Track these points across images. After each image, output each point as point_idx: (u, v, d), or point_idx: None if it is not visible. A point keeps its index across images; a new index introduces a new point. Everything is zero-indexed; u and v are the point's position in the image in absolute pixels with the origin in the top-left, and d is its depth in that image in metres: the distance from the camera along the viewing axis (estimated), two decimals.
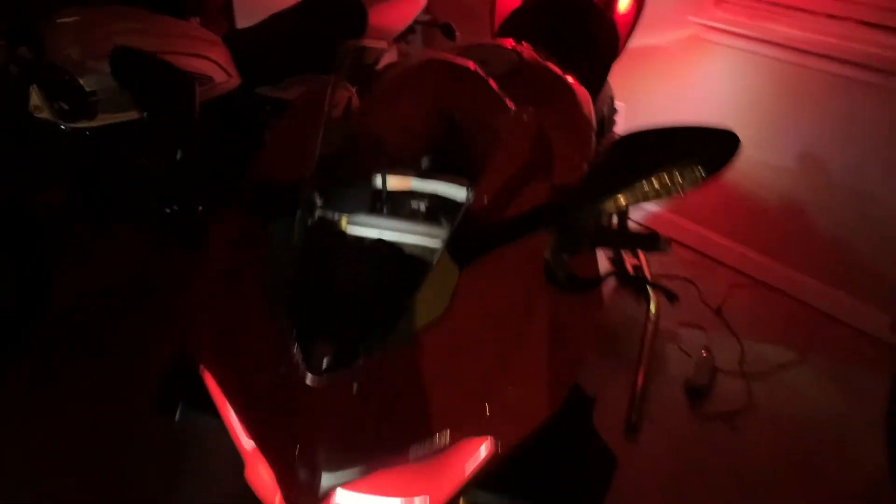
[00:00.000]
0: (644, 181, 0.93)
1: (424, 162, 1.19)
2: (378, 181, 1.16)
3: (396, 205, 1.15)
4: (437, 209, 1.13)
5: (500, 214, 1.01)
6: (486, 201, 1.02)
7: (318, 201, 1.09)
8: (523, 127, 1.10)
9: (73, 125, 2.07)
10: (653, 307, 2.52)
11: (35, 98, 1.97)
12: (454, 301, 0.99)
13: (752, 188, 2.76)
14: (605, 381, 2.35)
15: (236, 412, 1.03)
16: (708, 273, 2.90)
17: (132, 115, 2.16)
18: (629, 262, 2.67)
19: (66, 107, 1.92)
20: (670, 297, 1.21)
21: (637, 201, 0.97)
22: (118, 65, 1.64)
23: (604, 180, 0.97)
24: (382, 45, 1.21)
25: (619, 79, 2.91)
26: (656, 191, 0.95)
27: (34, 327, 2.32)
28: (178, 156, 2.34)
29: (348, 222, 1.08)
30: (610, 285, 2.75)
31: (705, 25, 2.68)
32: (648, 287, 2.36)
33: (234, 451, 1.09)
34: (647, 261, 2.68)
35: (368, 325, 0.98)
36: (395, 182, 1.18)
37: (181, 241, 2.39)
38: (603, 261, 2.44)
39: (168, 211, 2.37)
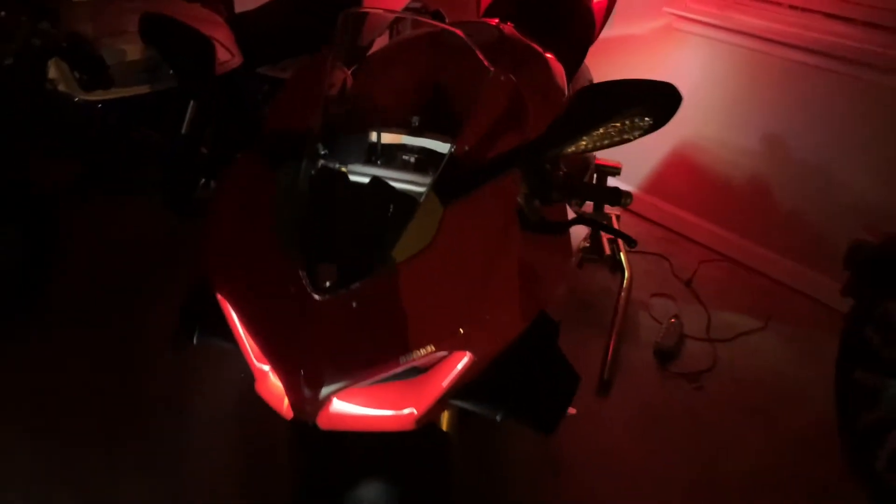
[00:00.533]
0: (599, 129, 1.10)
1: (415, 121, 1.35)
2: (374, 136, 1.33)
3: (390, 157, 1.32)
4: (425, 160, 1.30)
5: (478, 159, 1.18)
6: (466, 149, 1.19)
7: (322, 150, 1.26)
8: (500, 86, 1.26)
9: (87, 98, 2.23)
10: (627, 274, 2.71)
11: (54, 71, 2.12)
12: (438, 233, 1.15)
13: (721, 168, 2.95)
14: (582, 345, 2.52)
15: (249, 332, 1.19)
16: (680, 249, 3.09)
17: (142, 89, 2.32)
18: (605, 236, 2.85)
19: (84, 76, 2.07)
20: (629, 241, 1.38)
21: (594, 146, 1.14)
22: (147, 27, 1.76)
23: (565, 128, 1.14)
24: (380, 11, 1.35)
25: (600, 66, 3.08)
26: (610, 137, 1.11)
27: (46, 285, 2.47)
28: (183, 130, 2.51)
29: (349, 168, 1.25)
30: (589, 267, 2.93)
31: (679, 15, 2.86)
32: (615, 250, 2.54)
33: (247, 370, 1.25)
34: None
35: (365, 252, 1.15)
36: (389, 138, 1.35)
37: (183, 211, 2.54)
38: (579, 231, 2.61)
39: (171, 182, 2.53)
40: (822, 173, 2.63)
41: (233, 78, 2.52)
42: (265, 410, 1.23)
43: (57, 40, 1.99)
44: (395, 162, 1.33)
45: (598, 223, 1.43)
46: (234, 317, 1.22)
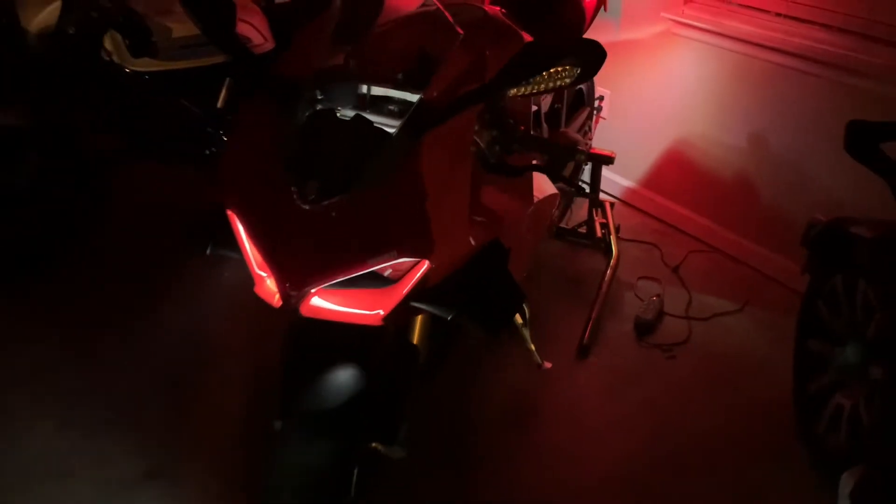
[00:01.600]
0: (536, 75, 1.35)
1: (400, 76, 1.62)
2: (364, 88, 1.60)
3: (377, 104, 1.59)
4: (405, 107, 1.56)
5: (442, 103, 1.44)
6: (434, 95, 1.45)
7: (319, 96, 1.53)
8: (467, 46, 1.52)
9: (135, 68, 2.55)
10: (614, 252, 2.94)
11: (109, 42, 2.45)
12: (406, 161, 1.41)
13: (711, 164, 3.17)
14: (567, 314, 2.76)
15: (251, 238, 1.46)
16: (671, 240, 3.30)
17: (184, 63, 2.64)
18: (598, 220, 3.09)
19: (135, 44, 2.38)
20: (581, 192, 1.63)
21: (535, 90, 1.39)
22: None
23: (509, 73, 1.38)
24: None
25: (605, 69, 3.32)
26: (545, 82, 1.36)
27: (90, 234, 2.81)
28: (220, 103, 2.82)
29: (339, 110, 1.52)
30: (580, 247, 3.17)
31: (676, 21, 3.10)
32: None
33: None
34: (613, 218, 3.10)
35: (346, 173, 1.41)
36: (378, 90, 1.61)
37: (213, 180, 2.84)
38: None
39: (207, 152, 2.84)
40: (798, 169, 2.83)
41: (264, 60, 2.82)
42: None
43: (114, 14, 2.31)
44: (380, 108, 1.59)
45: (554, 172, 1.68)
46: (240, 229, 1.50)
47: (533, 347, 2.31)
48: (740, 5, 2.95)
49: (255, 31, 2.76)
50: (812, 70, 2.71)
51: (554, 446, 2.24)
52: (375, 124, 1.47)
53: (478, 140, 1.54)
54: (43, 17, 2.43)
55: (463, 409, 2.36)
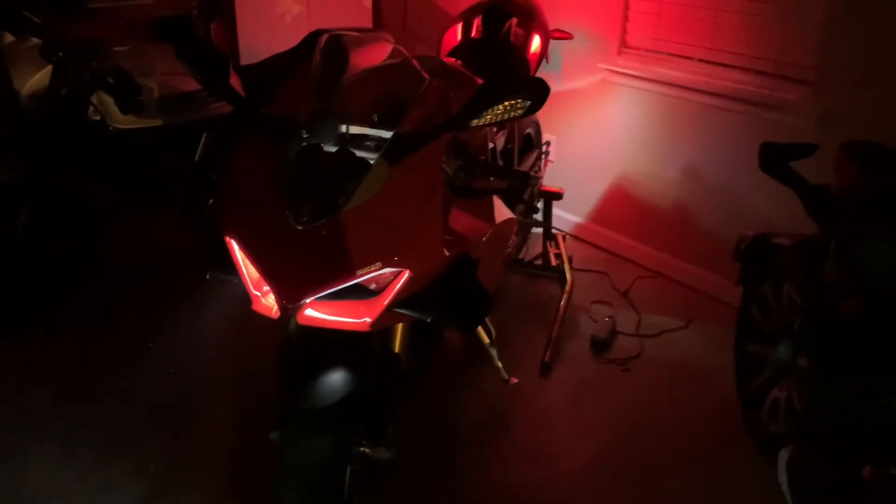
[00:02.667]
0: (491, 109, 1.60)
1: (375, 117, 1.86)
2: (345, 127, 1.83)
3: (357, 141, 1.82)
4: (379, 143, 1.79)
5: (414, 135, 1.68)
6: (407, 128, 1.69)
7: (306, 134, 1.76)
8: (432, 88, 1.77)
9: (121, 126, 2.75)
10: (569, 279, 3.20)
11: (97, 101, 2.65)
12: (385, 185, 1.64)
13: (651, 197, 3.47)
14: (529, 337, 2.98)
15: (249, 259, 1.66)
16: (620, 268, 3.57)
17: (166, 120, 2.85)
18: (552, 251, 3.35)
19: (122, 102, 2.59)
20: (533, 210, 1.87)
21: (491, 122, 1.63)
22: (160, 26, 2.16)
23: (469, 109, 1.63)
24: (354, 35, 1.84)
25: (550, 117, 3.65)
26: (500, 114, 1.61)
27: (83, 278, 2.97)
28: (197, 157, 3.03)
29: (325, 145, 1.74)
30: (538, 276, 3.42)
31: (611, 70, 3.43)
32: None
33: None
34: (565, 249, 3.37)
35: (334, 195, 1.63)
36: (357, 129, 1.85)
37: (197, 226, 3.03)
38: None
39: (187, 201, 3.03)
40: (728, 194, 3.14)
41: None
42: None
43: (103, 76, 2.53)
44: (359, 144, 1.82)
45: (512, 196, 1.93)
46: (237, 253, 1.69)
47: (500, 364, 2.53)
48: (667, 53, 3.29)
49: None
50: (733, 107, 3.05)
51: (524, 450, 2.44)
52: (357, 156, 1.70)
53: (446, 168, 1.78)
54: (35, 80, 2.64)
55: (440, 418, 2.56)
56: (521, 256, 3.42)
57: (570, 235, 3.84)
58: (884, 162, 1.96)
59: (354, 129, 1.85)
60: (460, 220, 1.80)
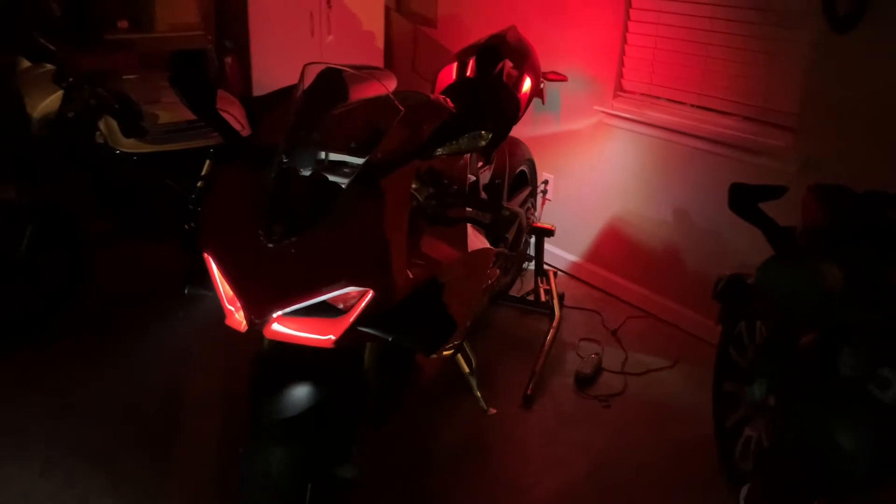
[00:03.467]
0: (458, 138, 1.69)
1: (353, 145, 1.95)
2: (323, 154, 1.92)
3: (332, 166, 1.91)
4: (355, 169, 1.88)
5: (384, 162, 1.76)
6: (378, 156, 1.77)
7: (285, 159, 1.85)
8: (407, 120, 1.86)
9: (125, 150, 2.88)
10: (557, 314, 3.25)
11: (103, 126, 2.78)
12: (354, 209, 1.72)
13: (643, 237, 3.52)
14: (514, 370, 3.02)
15: (223, 274, 1.74)
16: (611, 306, 3.61)
17: (169, 147, 2.97)
18: (542, 287, 3.41)
19: (126, 126, 2.72)
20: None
21: (458, 150, 1.72)
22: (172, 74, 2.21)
23: (437, 137, 1.72)
24: (349, 71, 1.94)
25: (549, 157, 3.75)
26: (466, 143, 1.70)
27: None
28: (201, 182, 3.14)
29: (302, 170, 1.83)
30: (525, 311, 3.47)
31: (606, 113, 3.52)
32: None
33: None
34: (555, 286, 3.42)
35: (304, 217, 1.71)
36: (336, 156, 1.94)
37: (195, 251, 3.12)
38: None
39: (186, 227, 3.13)
40: (716, 236, 3.19)
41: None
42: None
43: (109, 102, 2.66)
44: (336, 169, 1.91)
45: (477, 221, 2.00)
46: (214, 269, 1.78)
47: (479, 394, 2.58)
48: (660, 98, 3.38)
49: (234, 119, 3.12)
50: (721, 151, 3.11)
51: (497, 479, 2.47)
52: (330, 180, 1.79)
53: (416, 195, 1.86)
54: (46, 105, 2.78)
55: (414, 443, 2.60)
56: (513, 292, 3.48)
57: (565, 273, 3.89)
58: (846, 204, 2.01)
59: (333, 156, 1.95)
60: (429, 245, 1.87)
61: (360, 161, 1.92)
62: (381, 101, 2.09)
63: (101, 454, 2.45)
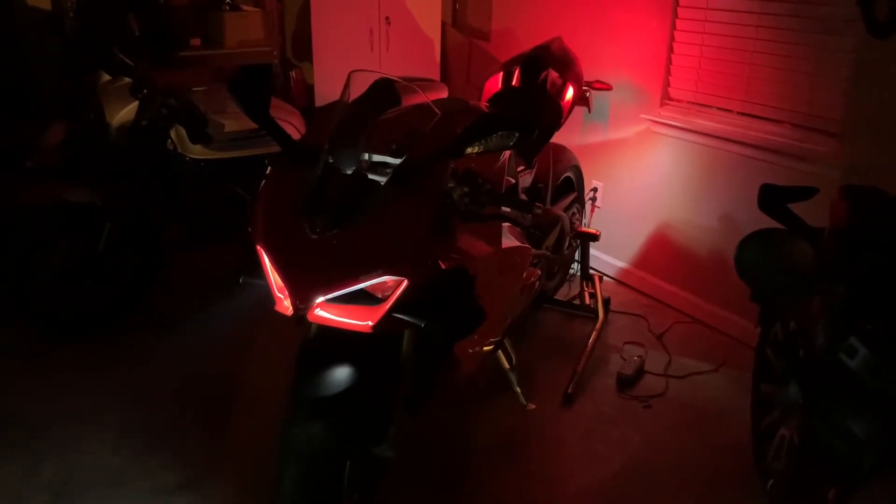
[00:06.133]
0: (485, 140, 1.81)
1: (394, 147, 2.09)
2: (366, 155, 2.07)
3: (375, 166, 2.06)
4: (392, 168, 2.02)
5: (418, 161, 1.90)
6: (414, 155, 1.91)
7: (330, 160, 2.01)
8: (441, 123, 2.00)
9: (194, 157, 3.11)
10: (600, 316, 3.32)
11: (174, 134, 3.02)
12: (392, 203, 1.86)
13: (690, 244, 3.56)
14: (556, 370, 3.10)
15: (273, 264, 1.90)
16: (658, 312, 3.65)
17: (233, 153, 3.19)
18: (588, 290, 3.48)
19: (194, 133, 2.94)
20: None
21: (486, 149, 1.84)
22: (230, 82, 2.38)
23: (465, 137, 1.84)
24: (393, 76, 2.09)
25: (598, 165, 3.83)
26: (493, 143, 1.82)
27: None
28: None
29: (345, 169, 1.98)
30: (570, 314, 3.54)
31: (653, 121, 3.58)
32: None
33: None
34: (600, 289, 3.49)
35: (345, 210, 1.86)
36: (378, 157, 2.09)
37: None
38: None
39: (250, 230, 3.33)
40: None
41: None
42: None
43: (179, 111, 2.90)
44: (377, 169, 2.06)
45: (510, 219, 2.11)
46: (265, 259, 1.94)
47: (519, 390, 2.68)
48: (706, 106, 3.42)
49: (293, 127, 3.32)
50: (767, 158, 3.14)
51: (532, 473, 2.55)
52: (369, 178, 1.94)
53: (451, 193, 1.99)
54: (123, 114, 3.04)
55: (453, 436, 2.71)
56: (559, 297, 3.57)
57: (613, 279, 3.95)
58: (875, 205, 2.03)
59: (375, 157, 2.10)
60: (462, 240, 2.00)
61: (398, 161, 2.06)
62: (422, 107, 2.23)
63: (165, 434, 2.66)
